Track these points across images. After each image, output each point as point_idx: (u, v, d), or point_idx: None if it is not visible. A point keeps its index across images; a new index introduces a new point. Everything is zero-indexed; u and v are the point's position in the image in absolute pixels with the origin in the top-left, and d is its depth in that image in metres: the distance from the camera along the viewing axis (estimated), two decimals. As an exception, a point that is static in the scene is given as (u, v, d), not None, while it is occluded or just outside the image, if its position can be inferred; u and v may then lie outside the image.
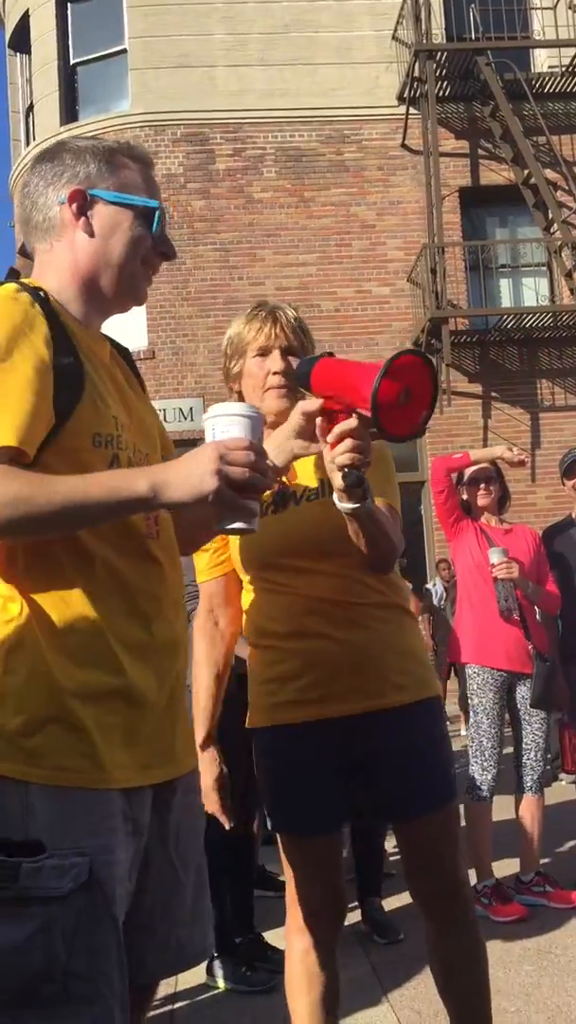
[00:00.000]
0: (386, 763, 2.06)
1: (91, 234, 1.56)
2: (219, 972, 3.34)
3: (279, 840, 2.17)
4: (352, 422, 1.58)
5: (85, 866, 1.38)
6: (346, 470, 1.60)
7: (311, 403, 1.69)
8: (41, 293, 1.50)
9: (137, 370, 1.75)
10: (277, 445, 1.75)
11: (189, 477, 1.37)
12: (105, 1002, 1.39)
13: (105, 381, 1.55)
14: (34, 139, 13.66)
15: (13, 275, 1.53)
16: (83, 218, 1.55)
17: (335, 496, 1.72)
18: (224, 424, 1.43)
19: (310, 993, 2.13)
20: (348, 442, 1.58)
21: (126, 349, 1.75)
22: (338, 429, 1.59)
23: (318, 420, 1.64)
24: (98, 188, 1.56)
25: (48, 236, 1.58)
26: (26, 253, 1.74)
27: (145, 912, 1.54)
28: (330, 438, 1.61)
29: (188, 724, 1.66)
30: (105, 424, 1.49)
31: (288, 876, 2.18)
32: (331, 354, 1.72)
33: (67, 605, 1.45)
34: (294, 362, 2.02)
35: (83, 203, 1.55)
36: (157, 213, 1.60)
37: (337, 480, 1.62)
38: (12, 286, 1.49)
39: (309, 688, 2.02)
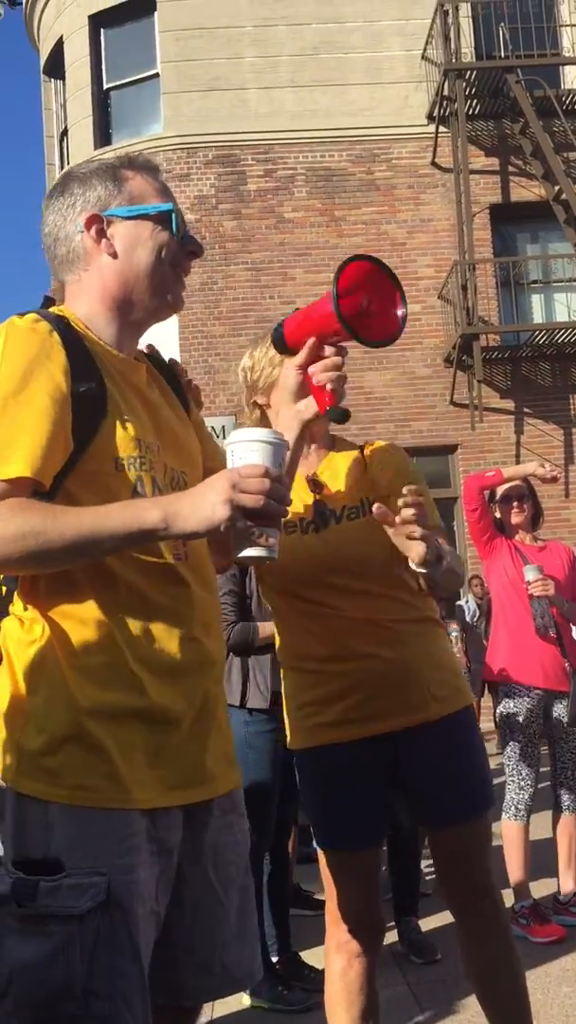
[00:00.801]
0: (427, 773, 2.10)
1: (115, 255, 1.57)
2: (256, 991, 3.34)
3: (322, 857, 2.18)
4: (336, 360, 1.69)
5: (103, 885, 1.38)
6: (338, 410, 1.71)
7: (296, 357, 1.74)
8: (63, 321, 1.51)
9: (179, 386, 1.75)
10: (286, 422, 1.78)
11: (201, 507, 1.36)
12: (125, 1021, 1.38)
13: (133, 403, 1.55)
14: (68, 163, 13.86)
15: (48, 302, 1.55)
16: (104, 240, 1.57)
17: (412, 566, 1.80)
18: (242, 451, 1.42)
19: (350, 1010, 2.14)
20: (327, 362, 1.68)
21: (168, 365, 1.76)
22: (320, 365, 1.69)
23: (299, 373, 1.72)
24: (111, 208, 1.58)
25: (75, 267, 1.59)
26: None
27: (183, 932, 1.53)
28: (313, 369, 1.69)
29: (227, 743, 1.63)
30: (128, 447, 1.49)
31: (329, 894, 2.19)
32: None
33: (87, 626, 1.45)
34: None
35: (101, 226, 1.57)
36: (173, 214, 1.60)
37: (312, 404, 1.74)
38: (31, 316, 1.50)
39: (355, 708, 2.04)
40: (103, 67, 13.47)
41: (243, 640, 3.33)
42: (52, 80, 14.81)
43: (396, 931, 3.84)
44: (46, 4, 14.26)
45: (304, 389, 1.72)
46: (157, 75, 13.05)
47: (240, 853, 1.64)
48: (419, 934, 3.78)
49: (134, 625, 1.47)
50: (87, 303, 1.58)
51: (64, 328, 1.49)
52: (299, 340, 1.66)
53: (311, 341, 1.68)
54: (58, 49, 14.06)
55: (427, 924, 3.96)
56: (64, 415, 1.42)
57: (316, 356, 1.67)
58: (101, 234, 1.57)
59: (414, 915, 3.84)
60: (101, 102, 13.46)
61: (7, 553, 1.34)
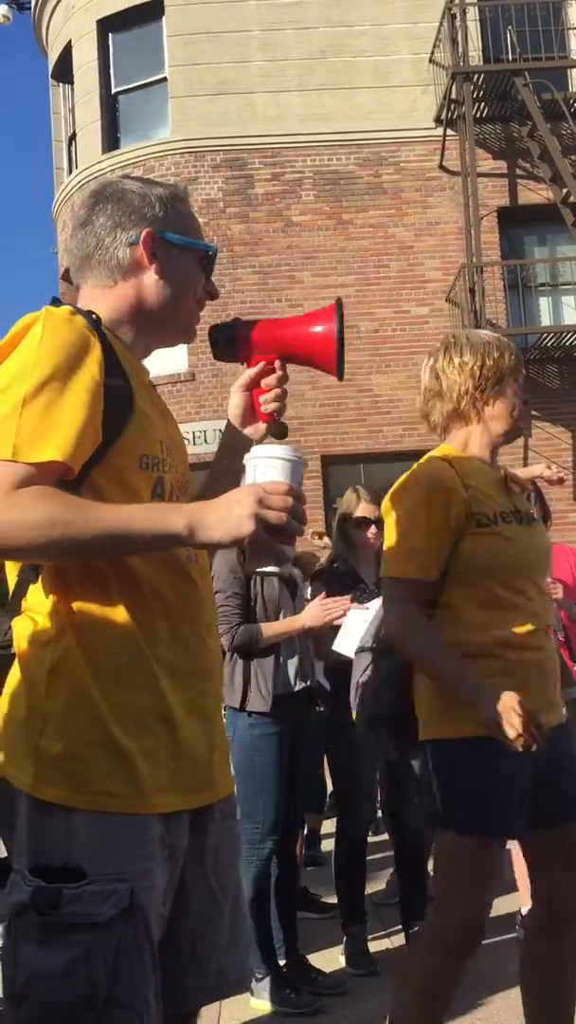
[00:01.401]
0: (563, 769, 2.25)
1: (161, 275, 1.60)
2: (263, 994, 3.34)
3: (469, 853, 2.18)
4: (282, 375, 1.68)
5: (126, 892, 1.37)
6: (274, 418, 1.71)
7: (242, 378, 1.74)
8: (94, 316, 1.53)
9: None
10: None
11: (227, 520, 1.37)
12: None
13: (151, 405, 1.58)
14: (76, 167, 13.92)
15: (55, 303, 1.55)
16: (156, 262, 1.60)
17: None
18: (264, 467, 1.45)
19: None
20: (278, 391, 1.68)
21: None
22: (275, 377, 1.68)
23: (249, 376, 1.71)
24: (168, 232, 1.61)
25: (113, 274, 1.60)
26: (69, 279, 1.79)
27: (186, 937, 1.53)
28: (268, 383, 1.68)
29: (226, 746, 1.65)
30: (152, 446, 1.52)
31: (452, 891, 2.21)
32: (236, 319, 1.75)
33: (112, 626, 1.45)
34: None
35: (153, 245, 1.60)
36: (213, 257, 1.67)
37: (261, 428, 1.72)
38: (67, 308, 1.50)
39: (531, 700, 2.11)
40: (111, 71, 13.51)
41: (247, 641, 3.33)
42: (60, 84, 14.87)
43: (404, 934, 3.83)
44: (55, 8, 14.32)
45: (251, 412, 1.73)
46: (165, 79, 13.09)
47: (235, 856, 1.66)
48: (427, 938, 3.77)
49: (154, 626, 1.48)
50: (110, 308, 1.59)
51: (96, 323, 1.52)
52: (257, 350, 1.68)
53: (268, 366, 1.70)
54: (66, 53, 14.11)
55: (435, 928, 3.95)
56: (97, 407, 1.43)
57: (259, 378, 1.70)
58: (153, 253, 1.60)
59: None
60: (109, 106, 13.50)
61: (30, 539, 1.32)
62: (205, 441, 11.52)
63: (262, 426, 1.72)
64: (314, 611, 3.43)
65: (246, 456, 1.48)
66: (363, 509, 3.82)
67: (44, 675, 1.43)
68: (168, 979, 1.48)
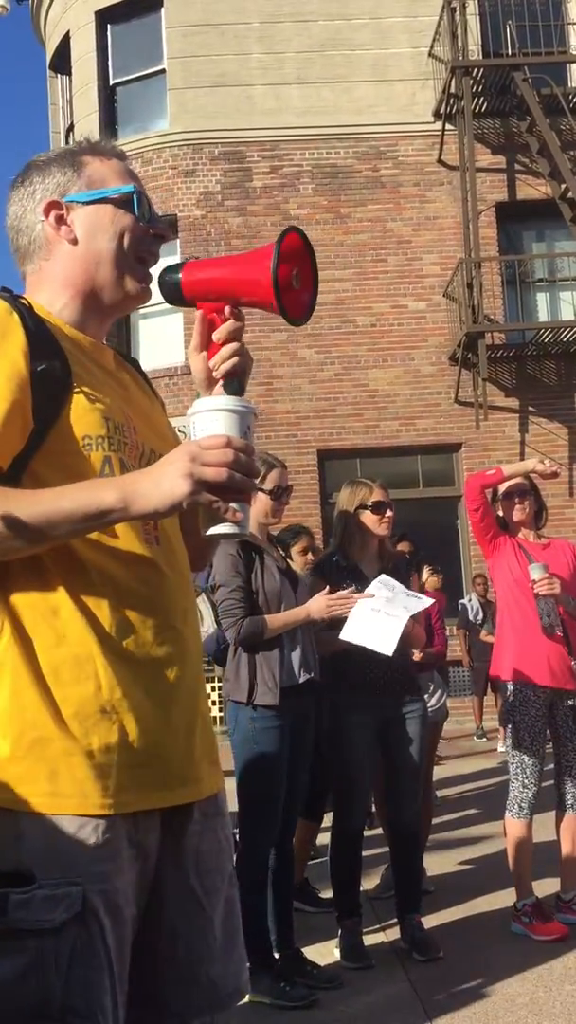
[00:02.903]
0: None
1: (74, 241, 1.52)
2: (258, 986, 3.34)
3: None
4: (235, 323, 1.44)
5: (78, 896, 1.30)
6: (230, 380, 1.46)
7: (194, 341, 1.50)
8: (23, 301, 1.46)
9: (149, 381, 1.71)
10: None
11: (159, 484, 1.29)
12: None
13: (101, 382, 1.49)
14: (74, 158, 13.86)
15: (4, 292, 1.51)
16: (64, 227, 1.52)
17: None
18: (204, 421, 1.33)
19: None
20: (235, 344, 1.44)
21: (135, 361, 1.72)
22: (225, 328, 1.44)
23: (197, 327, 1.47)
24: (70, 193, 1.53)
25: (36, 256, 1.55)
26: None
27: (164, 940, 1.45)
28: (217, 336, 1.44)
29: (211, 742, 1.53)
30: (95, 426, 1.43)
31: None
32: (192, 258, 1.53)
33: (55, 617, 1.37)
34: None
35: (60, 212, 1.52)
36: (135, 196, 1.54)
37: (217, 390, 1.46)
38: None
39: None
40: (109, 63, 13.46)
41: (253, 634, 3.33)
42: (58, 75, 14.81)
43: (399, 928, 3.84)
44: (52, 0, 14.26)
45: (212, 378, 1.50)
46: (163, 71, 13.04)
47: (223, 860, 1.54)
48: (422, 931, 3.78)
49: (106, 614, 1.39)
50: (48, 291, 1.53)
51: (25, 308, 1.44)
52: (201, 294, 1.46)
53: (212, 314, 1.47)
54: (64, 44, 14.05)
55: (429, 922, 3.96)
56: (20, 395, 1.37)
57: (209, 331, 1.46)
58: (60, 221, 1.52)
59: (417, 912, 3.84)
60: (107, 98, 13.45)
61: None
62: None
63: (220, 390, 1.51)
64: (320, 603, 3.44)
65: (188, 411, 1.36)
66: (379, 494, 3.84)
67: None
68: (147, 986, 1.42)
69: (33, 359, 1.39)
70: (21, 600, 1.38)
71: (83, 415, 1.42)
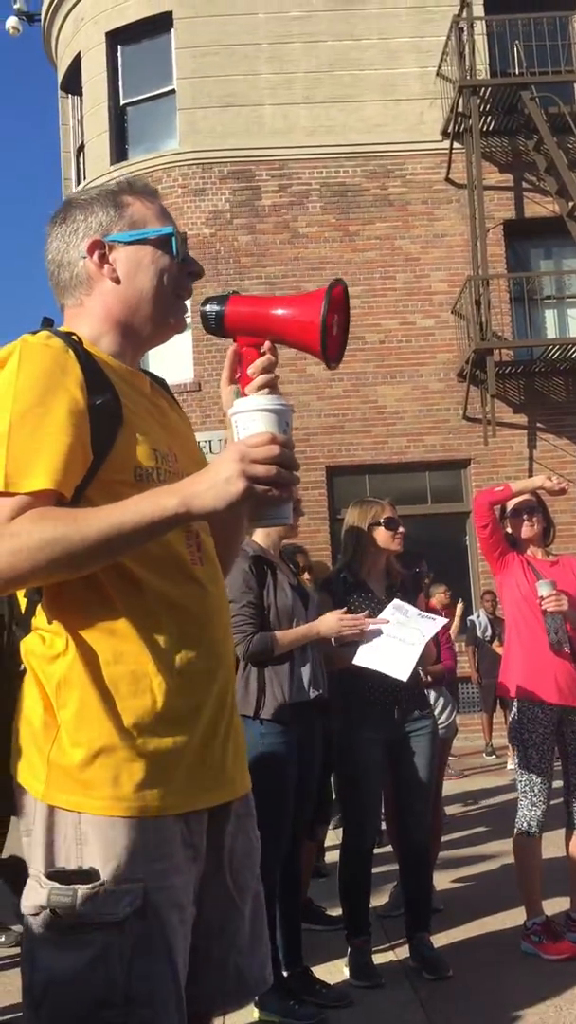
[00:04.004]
0: None
1: (117, 280, 1.60)
2: (267, 1005, 3.33)
3: None
4: (271, 358, 1.54)
5: (140, 892, 1.40)
6: None
7: (226, 371, 1.61)
8: (74, 337, 1.54)
9: (175, 398, 1.80)
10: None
11: (215, 484, 1.36)
12: None
13: (144, 414, 1.58)
14: (84, 178, 13.99)
15: (47, 323, 1.57)
16: (107, 266, 1.60)
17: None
18: (245, 420, 1.41)
19: None
20: (269, 377, 1.53)
21: (162, 380, 1.80)
22: (261, 363, 1.53)
23: (229, 359, 1.58)
24: (113, 233, 1.60)
25: (77, 292, 1.62)
26: None
27: (201, 935, 1.54)
28: (251, 371, 1.53)
29: (242, 745, 1.65)
30: (145, 458, 1.52)
31: None
32: (235, 292, 1.63)
33: (114, 636, 1.47)
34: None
35: (103, 251, 1.60)
36: (173, 237, 1.62)
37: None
38: (44, 333, 1.53)
39: None
40: (120, 83, 13.59)
41: (262, 650, 3.34)
42: (69, 96, 14.95)
43: (408, 946, 3.82)
44: (64, 20, 14.41)
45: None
46: (173, 91, 13.16)
47: (254, 859, 1.66)
48: (431, 950, 3.76)
49: (160, 631, 1.49)
50: (89, 324, 1.61)
51: (76, 344, 1.52)
52: (242, 328, 1.55)
53: (250, 349, 1.56)
54: (75, 65, 14.19)
55: (439, 940, 3.94)
56: (82, 428, 1.45)
57: (240, 365, 1.56)
58: (103, 259, 1.60)
59: (426, 931, 3.82)
60: (117, 118, 13.58)
61: (36, 563, 1.35)
62: (211, 451, 11.54)
63: None
64: (330, 622, 3.45)
65: (229, 411, 1.45)
66: (389, 511, 3.87)
67: (53, 689, 1.47)
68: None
69: (90, 393, 1.48)
70: (82, 620, 1.47)
71: (134, 446, 1.51)
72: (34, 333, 1.53)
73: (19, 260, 45.47)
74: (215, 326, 1.55)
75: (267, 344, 1.54)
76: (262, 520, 1.43)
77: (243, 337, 1.55)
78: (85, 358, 1.51)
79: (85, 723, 1.44)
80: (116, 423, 1.50)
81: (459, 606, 10.22)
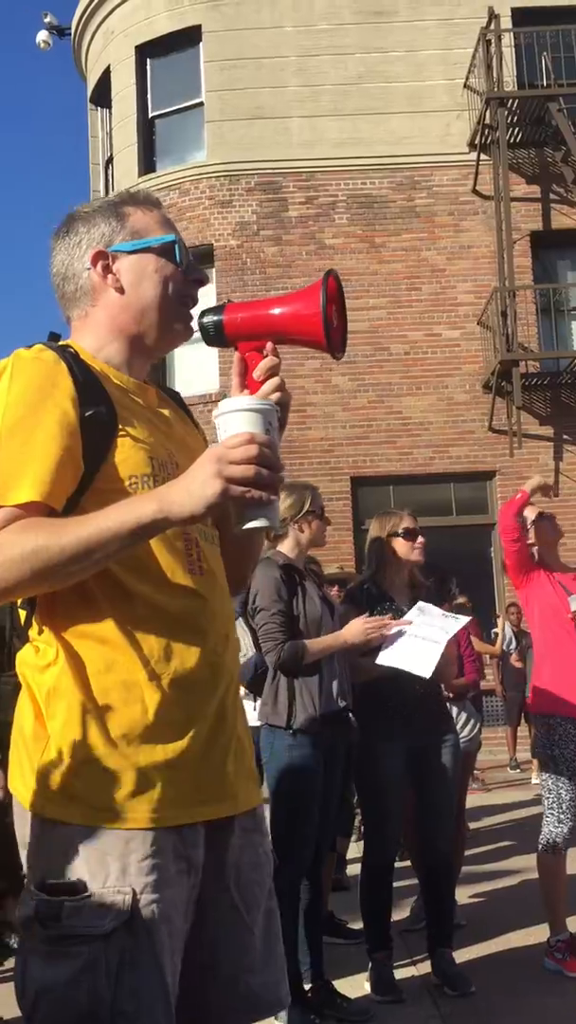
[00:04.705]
0: None
1: (121, 290, 1.59)
2: (287, 1019, 3.31)
3: None
4: (275, 359, 1.51)
5: (127, 905, 1.38)
6: None
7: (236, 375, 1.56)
8: (70, 349, 1.54)
9: (189, 411, 1.78)
10: None
11: (192, 488, 1.35)
12: None
13: (144, 422, 1.56)
14: (113, 190, 14.10)
15: (55, 337, 1.60)
16: (110, 276, 1.60)
17: None
18: (227, 422, 1.38)
19: None
20: (276, 380, 1.51)
21: (175, 393, 1.80)
22: (265, 365, 1.51)
23: (235, 368, 1.54)
24: (116, 243, 1.60)
25: (82, 303, 1.62)
26: None
27: (205, 951, 1.51)
28: (257, 374, 1.50)
29: (248, 759, 1.61)
30: (140, 466, 1.51)
31: None
32: (229, 301, 1.61)
33: (104, 645, 1.46)
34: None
35: (106, 262, 1.60)
36: (176, 245, 1.62)
37: None
38: (37, 346, 1.53)
39: None
40: (148, 96, 13.71)
41: (292, 658, 3.34)
42: (99, 108, 15.10)
43: (430, 962, 3.79)
44: (94, 34, 14.56)
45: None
46: (201, 104, 13.25)
47: (263, 874, 1.61)
48: (454, 966, 3.73)
49: (152, 642, 1.47)
50: (94, 335, 1.61)
51: (70, 356, 1.52)
52: (243, 333, 1.52)
53: (253, 354, 1.53)
54: (105, 78, 14.33)
55: (461, 956, 3.91)
56: (72, 440, 1.44)
57: (247, 371, 1.53)
58: (107, 270, 1.60)
59: (449, 946, 3.79)
60: (146, 130, 13.69)
61: (19, 575, 1.36)
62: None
63: None
64: (356, 628, 3.44)
65: (212, 414, 1.42)
66: (408, 521, 3.87)
67: (44, 698, 1.46)
68: (190, 996, 1.48)
69: (82, 405, 1.47)
70: (72, 629, 1.47)
71: (129, 456, 1.50)
72: (28, 347, 1.54)
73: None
74: (215, 335, 1.53)
75: (269, 346, 1.51)
76: (244, 522, 1.38)
77: (245, 343, 1.52)
78: (79, 369, 1.50)
79: (73, 733, 1.43)
80: (110, 433, 1.49)
81: (500, 622, 10.17)
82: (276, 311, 1.51)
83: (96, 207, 1.65)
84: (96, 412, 1.48)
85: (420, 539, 3.85)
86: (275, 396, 1.50)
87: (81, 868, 1.39)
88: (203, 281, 1.65)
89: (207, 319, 1.52)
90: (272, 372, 1.51)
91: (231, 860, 1.55)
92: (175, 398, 1.76)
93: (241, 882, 1.56)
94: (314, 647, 3.36)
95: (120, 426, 1.51)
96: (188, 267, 1.63)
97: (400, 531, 3.83)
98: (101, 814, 1.41)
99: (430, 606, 3.64)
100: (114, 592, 1.46)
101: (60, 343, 1.58)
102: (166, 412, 1.67)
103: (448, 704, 4.54)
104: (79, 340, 1.61)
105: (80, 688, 1.44)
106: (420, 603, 3.66)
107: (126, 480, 1.48)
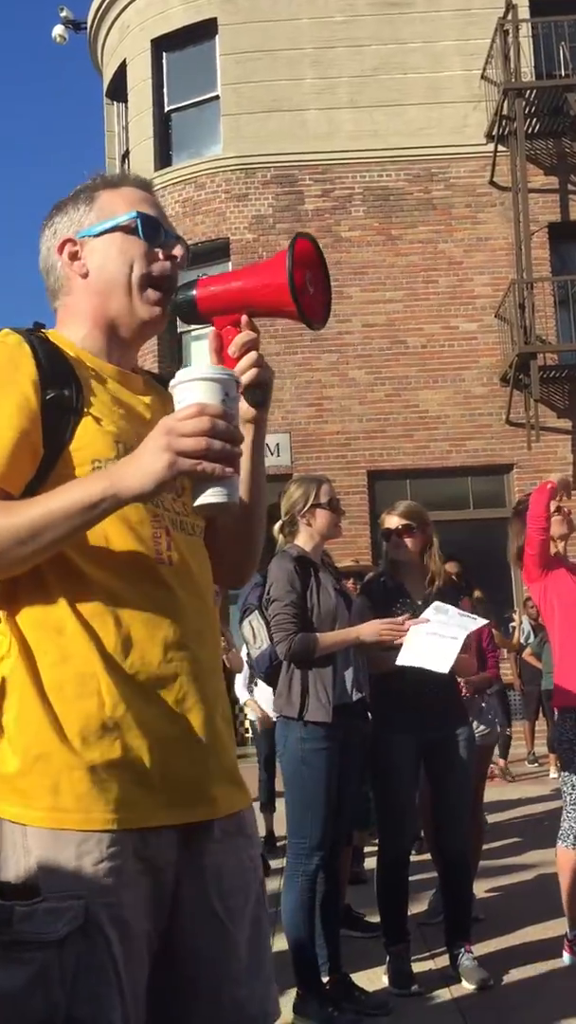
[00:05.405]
0: None
1: (85, 275, 1.55)
2: (306, 1011, 3.32)
3: None
4: (250, 333, 1.45)
5: (81, 909, 1.31)
6: (251, 389, 1.47)
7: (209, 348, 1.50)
8: (36, 333, 1.50)
9: None
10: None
11: (141, 463, 1.29)
12: None
13: (117, 409, 1.50)
14: (129, 183, 14.10)
15: (37, 327, 1.57)
16: (76, 262, 1.55)
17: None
18: (181, 394, 1.31)
19: None
20: (252, 355, 1.45)
21: (171, 377, 1.75)
22: (240, 340, 1.44)
23: (210, 344, 1.48)
24: (83, 228, 1.56)
25: (60, 293, 1.58)
26: None
27: (183, 961, 1.43)
28: (232, 350, 1.44)
29: (230, 761, 1.52)
30: (105, 449, 1.44)
31: None
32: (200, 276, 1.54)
33: (60, 635, 1.39)
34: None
35: (73, 249, 1.55)
36: (139, 220, 1.54)
37: (243, 406, 1.47)
38: (3, 330, 1.49)
39: None
40: (165, 90, 13.69)
41: (303, 650, 3.34)
42: (115, 103, 15.10)
43: (448, 955, 3.79)
44: (110, 28, 14.56)
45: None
46: (217, 97, 13.23)
47: (248, 880, 1.51)
48: (472, 959, 3.73)
49: (110, 633, 1.40)
50: (71, 325, 1.57)
51: (36, 339, 1.48)
52: (217, 308, 1.46)
53: (227, 329, 1.47)
54: (121, 72, 14.33)
55: (479, 949, 3.91)
56: (30, 424, 1.40)
57: (223, 347, 1.47)
58: (74, 256, 1.55)
59: (467, 940, 3.79)
60: (162, 124, 13.68)
61: None
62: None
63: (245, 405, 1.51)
64: (372, 628, 3.44)
65: (170, 384, 1.35)
66: (385, 521, 3.89)
67: None
68: (169, 1006, 1.43)
69: (43, 388, 1.43)
70: (27, 619, 1.41)
71: (93, 440, 1.44)
72: (39, 329, 1.52)
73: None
74: (188, 312, 1.47)
75: (244, 319, 1.45)
76: (199, 498, 1.31)
77: (220, 318, 1.46)
78: (44, 352, 1.46)
79: (24, 727, 1.37)
80: (73, 416, 1.44)
81: (518, 616, 10.14)
82: (246, 282, 1.45)
83: (72, 194, 1.60)
84: (58, 395, 1.43)
85: (407, 538, 3.81)
86: (252, 372, 1.45)
87: (34, 871, 1.33)
88: (176, 256, 1.55)
89: (179, 296, 1.48)
90: (248, 347, 1.45)
91: (210, 865, 1.45)
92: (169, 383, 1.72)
93: (223, 889, 1.46)
94: (326, 640, 3.37)
95: (85, 410, 1.45)
96: (164, 241, 1.55)
97: (384, 529, 3.88)
98: (54, 814, 1.34)
99: (447, 606, 3.63)
100: (70, 580, 1.40)
101: (33, 329, 1.54)
102: (148, 399, 1.59)
103: (475, 698, 4.56)
104: (60, 331, 1.57)
105: (33, 681, 1.38)
106: (436, 603, 3.65)
107: (89, 464, 1.42)
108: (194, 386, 1.30)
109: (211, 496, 1.30)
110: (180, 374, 1.32)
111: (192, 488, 1.32)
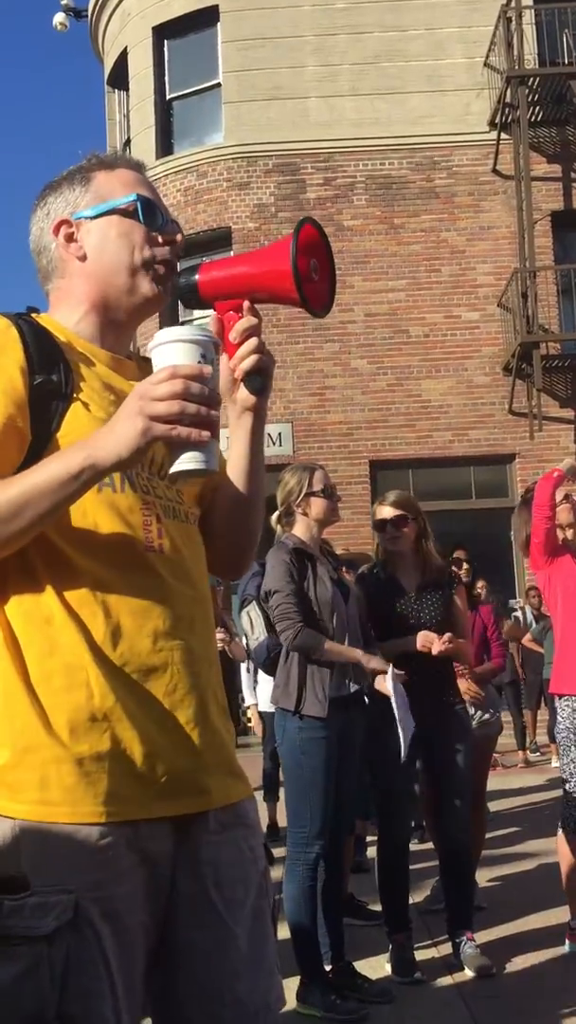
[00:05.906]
0: None
1: (83, 257, 1.52)
2: (309, 999, 3.34)
3: None
4: (252, 319, 1.43)
5: (70, 903, 1.29)
6: (251, 376, 1.45)
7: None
8: (26, 317, 1.48)
9: None
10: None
11: (116, 429, 1.27)
12: None
13: (108, 394, 1.47)
14: (130, 172, 14.06)
15: (30, 311, 1.54)
16: (73, 244, 1.52)
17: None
18: (158, 357, 1.27)
19: None
20: (253, 341, 1.43)
21: None
22: (241, 325, 1.43)
23: (211, 329, 1.45)
24: (79, 210, 1.53)
25: (54, 276, 1.56)
26: None
27: (181, 954, 1.42)
28: (233, 336, 1.43)
29: (226, 751, 1.49)
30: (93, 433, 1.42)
31: None
32: (202, 261, 1.52)
33: (48, 624, 1.37)
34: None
35: (70, 230, 1.53)
36: (139, 203, 1.52)
37: (243, 393, 1.47)
38: None
39: None
40: (166, 78, 13.64)
41: (307, 646, 3.35)
42: (116, 91, 15.04)
43: (450, 944, 3.81)
44: (111, 16, 14.50)
45: (235, 379, 1.50)
46: (219, 85, 13.18)
47: (249, 872, 1.48)
48: (474, 948, 3.74)
49: (99, 623, 1.38)
50: (65, 308, 1.54)
51: (25, 323, 1.45)
52: (220, 293, 1.45)
53: (228, 314, 1.46)
54: (122, 60, 14.27)
55: (482, 938, 3.92)
56: (16, 409, 1.38)
57: (225, 332, 1.46)
58: (70, 238, 1.53)
59: (469, 928, 3.80)
60: (164, 112, 13.63)
61: None
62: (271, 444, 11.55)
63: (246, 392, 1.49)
64: (377, 662, 3.50)
65: (147, 347, 1.32)
66: (378, 512, 3.89)
67: None
68: (168, 999, 1.42)
69: (31, 373, 1.40)
70: (15, 608, 1.39)
71: (82, 425, 1.41)
72: (32, 313, 1.50)
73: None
74: (190, 297, 1.45)
75: (246, 305, 1.43)
76: (175, 464, 1.27)
77: (222, 303, 1.44)
78: (33, 336, 1.43)
79: (11, 720, 1.35)
80: (62, 401, 1.42)
81: (521, 606, 10.17)
82: (249, 268, 1.43)
83: (65, 175, 1.57)
84: (46, 380, 1.40)
85: (393, 530, 3.82)
86: (253, 359, 1.43)
87: (23, 864, 1.30)
88: (175, 241, 1.54)
89: (181, 280, 1.46)
90: (250, 333, 1.43)
91: (206, 857, 1.43)
92: None
93: (221, 880, 1.44)
94: (332, 649, 3.40)
95: (74, 395, 1.42)
96: (162, 225, 1.53)
97: (374, 521, 3.89)
98: (43, 807, 1.32)
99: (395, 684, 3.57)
100: (59, 569, 1.38)
101: (23, 313, 1.51)
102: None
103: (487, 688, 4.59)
104: (53, 315, 1.55)
105: (20, 672, 1.36)
106: (392, 671, 3.56)
107: None
108: (169, 348, 1.26)
109: (186, 463, 1.26)
110: (157, 336, 1.28)
111: (168, 455, 1.29)
